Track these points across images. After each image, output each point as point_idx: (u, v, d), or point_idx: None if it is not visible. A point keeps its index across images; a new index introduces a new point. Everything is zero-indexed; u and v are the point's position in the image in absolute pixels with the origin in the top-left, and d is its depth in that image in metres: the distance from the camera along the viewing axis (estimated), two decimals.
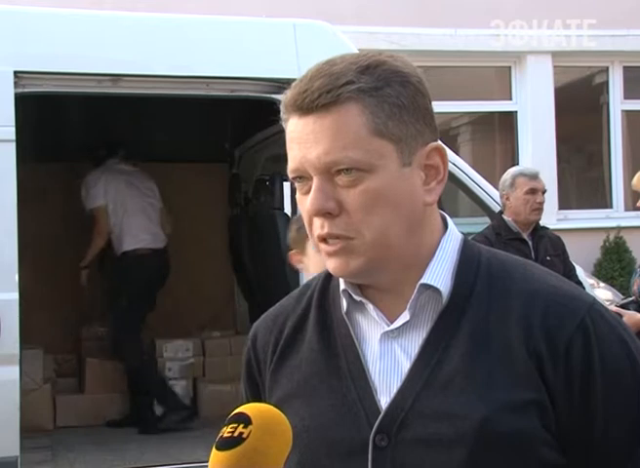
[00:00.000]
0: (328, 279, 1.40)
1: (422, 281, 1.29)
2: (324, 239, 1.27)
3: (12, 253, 4.34)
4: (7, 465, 4.29)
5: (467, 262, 1.32)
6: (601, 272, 8.61)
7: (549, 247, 4.92)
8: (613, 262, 8.86)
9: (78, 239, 6.94)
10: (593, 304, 1.29)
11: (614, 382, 1.24)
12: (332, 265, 1.28)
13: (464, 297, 1.29)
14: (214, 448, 1.13)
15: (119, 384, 6.32)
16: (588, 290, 5.11)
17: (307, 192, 1.27)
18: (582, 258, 4.96)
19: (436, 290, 1.29)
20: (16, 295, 4.32)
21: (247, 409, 1.15)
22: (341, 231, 1.25)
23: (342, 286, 1.33)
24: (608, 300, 5.18)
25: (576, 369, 1.23)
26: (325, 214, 1.25)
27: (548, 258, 4.80)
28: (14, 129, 4.40)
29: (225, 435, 1.12)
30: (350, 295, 1.33)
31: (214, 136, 6.90)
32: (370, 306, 1.32)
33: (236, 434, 1.11)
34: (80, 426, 6.09)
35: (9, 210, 4.35)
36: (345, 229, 1.25)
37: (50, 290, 6.60)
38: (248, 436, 1.11)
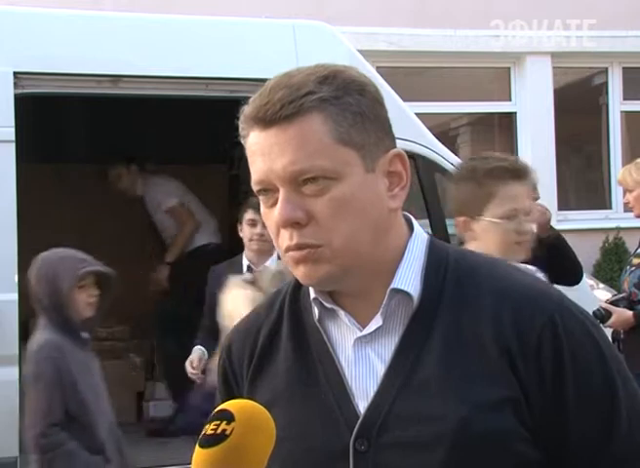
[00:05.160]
0: (298, 285, 1.39)
1: (393, 286, 1.29)
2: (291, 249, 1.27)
3: (12, 254, 4.34)
4: (6, 466, 4.30)
5: (435, 264, 1.33)
6: (600, 273, 8.61)
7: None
8: (612, 263, 8.86)
9: (78, 239, 6.95)
10: (562, 300, 1.31)
11: (584, 376, 1.26)
12: (300, 273, 1.28)
13: (435, 299, 1.30)
14: (197, 446, 1.13)
15: (119, 385, 6.31)
16: (587, 290, 5.12)
17: (273, 205, 1.27)
18: (582, 259, 4.95)
19: (407, 293, 1.29)
20: (15, 296, 4.32)
21: (230, 405, 1.16)
22: (310, 240, 1.25)
23: (313, 294, 1.33)
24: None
25: (546, 364, 1.25)
26: (293, 224, 1.25)
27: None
28: (13, 129, 4.40)
29: (208, 432, 1.13)
30: (321, 303, 1.33)
31: (213, 137, 6.89)
32: (341, 313, 1.33)
33: (219, 431, 1.12)
34: None
35: (9, 210, 4.35)
36: (314, 238, 1.25)
37: None
38: (231, 433, 1.11)
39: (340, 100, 1.25)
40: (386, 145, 1.30)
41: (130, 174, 6.47)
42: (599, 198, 9.70)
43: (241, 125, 1.29)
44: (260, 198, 1.29)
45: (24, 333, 5.10)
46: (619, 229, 8.99)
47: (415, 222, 1.37)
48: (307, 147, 1.24)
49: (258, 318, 1.44)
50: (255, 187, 1.29)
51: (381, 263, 1.30)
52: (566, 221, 8.94)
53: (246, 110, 1.28)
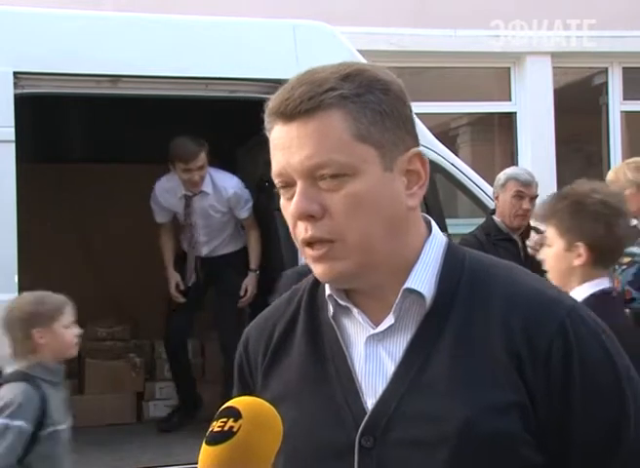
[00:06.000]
0: (317, 282, 1.41)
1: (406, 285, 1.30)
2: (308, 243, 1.29)
3: (11, 254, 4.34)
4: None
5: (451, 267, 1.34)
6: None
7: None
8: None
9: (78, 240, 6.95)
10: (574, 307, 1.31)
11: (592, 381, 1.26)
12: (318, 271, 1.30)
13: (448, 302, 1.31)
14: (204, 443, 1.13)
15: (119, 385, 6.32)
16: None
17: (291, 198, 1.29)
18: None
19: (420, 294, 1.30)
20: (15, 296, 4.32)
21: (237, 402, 1.16)
22: (324, 234, 1.27)
23: (328, 291, 1.35)
24: None
25: (555, 371, 1.25)
26: (308, 216, 1.27)
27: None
28: (13, 129, 4.40)
29: (215, 429, 1.13)
30: (336, 300, 1.35)
31: (212, 137, 6.90)
32: (355, 310, 1.34)
33: (226, 428, 1.12)
34: (80, 427, 6.06)
35: (9, 210, 4.35)
36: (328, 232, 1.27)
37: (50, 290, 6.59)
38: (238, 430, 1.11)
39: (361, 98, 1.27)
40: (407, 144, 1.31)
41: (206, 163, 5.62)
42: None
43: (266, 119, 1.32)
44: (280, 191, 1.31)
45: None
46: None
47: (434, 224, 1.38)
48: (325, 142, 1.25)
49: (275, 313, 1.46)
50: (275, 180, 1.31)
51: (398, 262, 1.31)
52: None
53: (270, 105, 1.30)
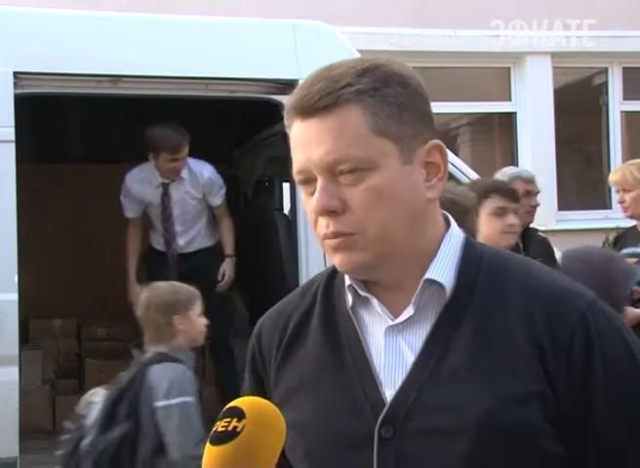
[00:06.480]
0: (333, 275, 1.42)
1: (427, 276, 1.31)
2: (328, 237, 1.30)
3: (11, 254, 4.34)
4: (6, 466, 4.29)
5: (470, 259, 1.35)
6: None
7: (539, 249, 4.92)
8: None
9: (79, 239, 6.95)
10: (594, 300, 1.32)
11: (613, 373, 1.27)
12: (337, 260, 1.31)
13: (467, 293, 1.32)
14: (208, 443, 1.14)
15: None
16: None
17: (313, 194, 1.30)
18: None
19: (440, 285, 1.31)
20: (15, 296, 4.32)
21: (240, 402, 1.16)
22: (345, 228, 1.28)
23: (348, 281, 1.36)
24: None
25: (577, 361, 1.26)
26: (329, 212, 1.28)
27: (539, 260, 4.78)
28: (13, 129, 4.40)
29: (219, 429, 1.13)
30: (355, 291, 1.35)
31: (212, 137, 6.90)
32: (375, 301, 1.35)
33: (230, 428, 1.12)
34: None
35: (8, 210, 4.35)
36: (349, 226, 1.28)
37: (50, 290, 6.60)
38: (242, 430, 1.12)
39: (378, 92, 1.28)
40: (425, 137, 1.32)
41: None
42: (599, 198, 9.69)
43: (285, 116, 1.33)
44: (301, 187, 1.33)
45: (24, 333, 5.09)
46: (618, 229, 8.96)
47: (451, 219, 1.39)
48: (344, 138, 1.27)
49: (290, 304, 1.47)
50: (296, 177, 1.33)
51: (417, 254, 1.32)
52: (566, 221, 8.94)
53: (289, 101, 1.32)
